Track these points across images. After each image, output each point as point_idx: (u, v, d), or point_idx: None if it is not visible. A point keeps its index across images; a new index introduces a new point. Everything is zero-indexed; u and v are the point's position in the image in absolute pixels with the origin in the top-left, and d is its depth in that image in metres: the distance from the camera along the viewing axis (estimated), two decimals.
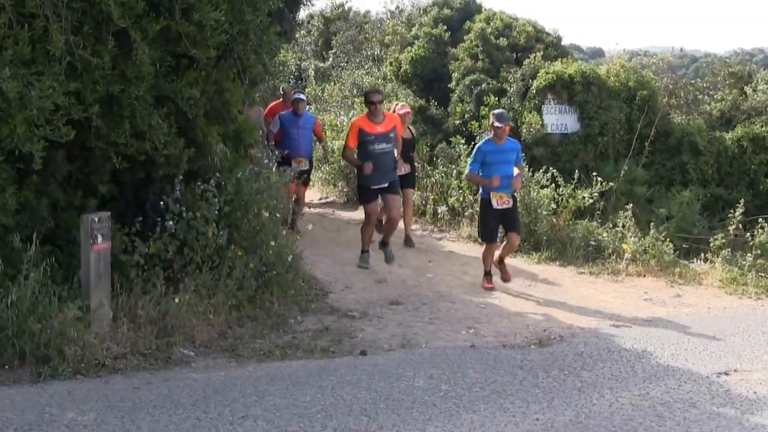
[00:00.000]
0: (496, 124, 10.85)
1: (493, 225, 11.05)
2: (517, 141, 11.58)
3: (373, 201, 11.03)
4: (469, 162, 11.31)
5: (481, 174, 10.96)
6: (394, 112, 12.87)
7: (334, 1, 28.37)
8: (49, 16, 6.92)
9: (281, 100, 15.73)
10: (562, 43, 22.19)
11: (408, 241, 13.52)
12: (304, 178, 13.70)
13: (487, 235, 11.11)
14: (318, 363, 7.62)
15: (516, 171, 10.88)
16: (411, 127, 14.26)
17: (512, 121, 18.07)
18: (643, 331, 9.13)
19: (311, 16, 27.54)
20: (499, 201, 10.77)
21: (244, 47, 8.49)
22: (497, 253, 11.26)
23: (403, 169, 12.31)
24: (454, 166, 15.60)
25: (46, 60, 6.96)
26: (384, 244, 11.32)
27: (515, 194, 11.17)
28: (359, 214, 13.14)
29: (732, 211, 13.64)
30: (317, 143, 15.14)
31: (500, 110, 11.38)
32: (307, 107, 16.39)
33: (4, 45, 6.79)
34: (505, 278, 11.19)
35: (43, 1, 6.86)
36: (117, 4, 7.05)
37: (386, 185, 10.91)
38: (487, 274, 11.25)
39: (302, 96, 14.28)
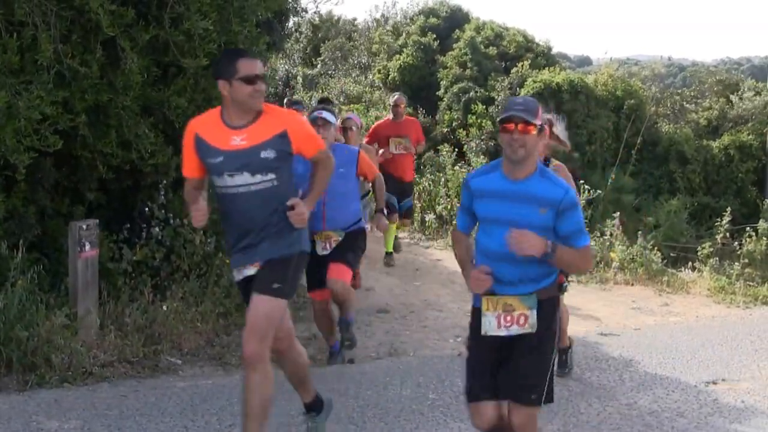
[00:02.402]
0: (502, 116, 4.68)
1: (479, 368, 4.88)
2: (566, 184, 4.73)
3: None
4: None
5: (475, 243, 4.92)
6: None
7: (321, 11, 28.39)
8: (38, 25, 6.90)
9: (390, 116, 12.01)
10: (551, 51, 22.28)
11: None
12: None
13: (467, 389, 4.97)
14: None
15: (544, 244, 4.51)
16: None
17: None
18: (631, 340, 9.14)
19: (299, 24, 27.57)
20: (503, 320, 4.85)
21: None
22: None
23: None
24: (441, 174, 15.61)
25: (34, 69, 6.95)
26: (312, 410, 5.79)
27: (543, 300, 4.77)
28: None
29: (719, 219, 13.71)
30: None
31: (519, 97, 5.78)
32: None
33: None
34: None
35: (32, 9, 6.86)
36: (106, 13, 7.03)
37: (253, 271, 5.16)
38: None
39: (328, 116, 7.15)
